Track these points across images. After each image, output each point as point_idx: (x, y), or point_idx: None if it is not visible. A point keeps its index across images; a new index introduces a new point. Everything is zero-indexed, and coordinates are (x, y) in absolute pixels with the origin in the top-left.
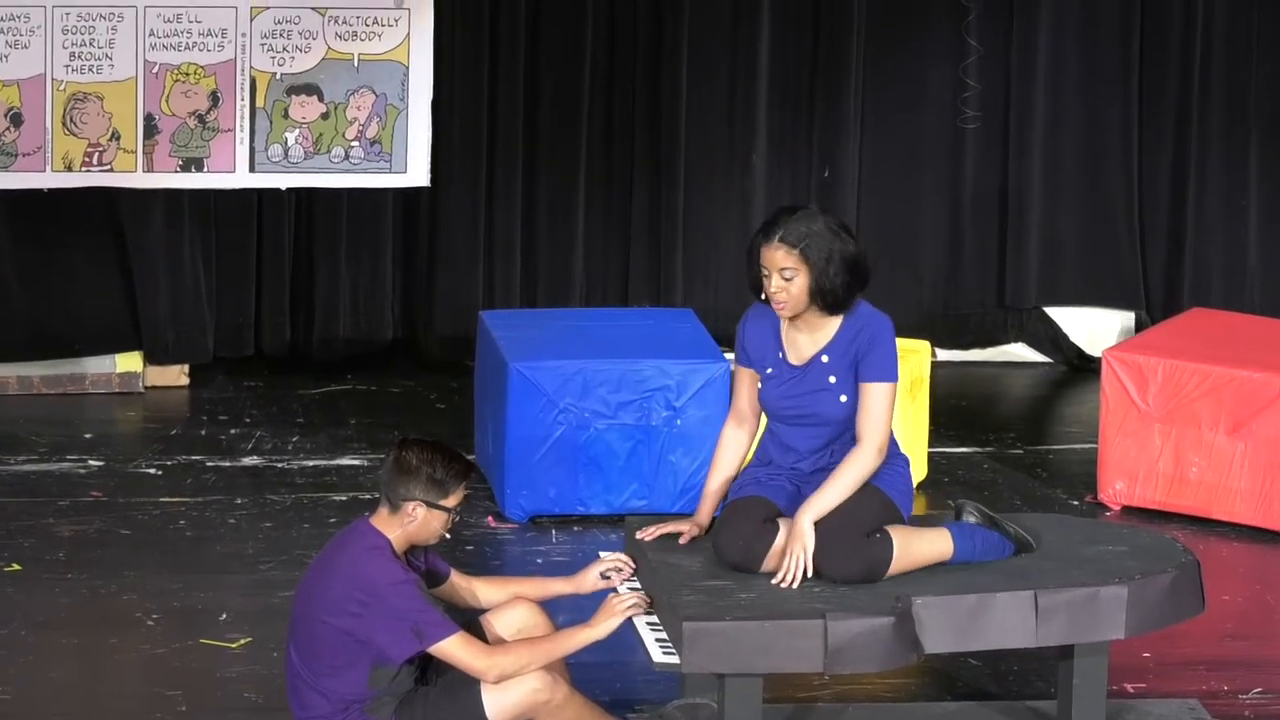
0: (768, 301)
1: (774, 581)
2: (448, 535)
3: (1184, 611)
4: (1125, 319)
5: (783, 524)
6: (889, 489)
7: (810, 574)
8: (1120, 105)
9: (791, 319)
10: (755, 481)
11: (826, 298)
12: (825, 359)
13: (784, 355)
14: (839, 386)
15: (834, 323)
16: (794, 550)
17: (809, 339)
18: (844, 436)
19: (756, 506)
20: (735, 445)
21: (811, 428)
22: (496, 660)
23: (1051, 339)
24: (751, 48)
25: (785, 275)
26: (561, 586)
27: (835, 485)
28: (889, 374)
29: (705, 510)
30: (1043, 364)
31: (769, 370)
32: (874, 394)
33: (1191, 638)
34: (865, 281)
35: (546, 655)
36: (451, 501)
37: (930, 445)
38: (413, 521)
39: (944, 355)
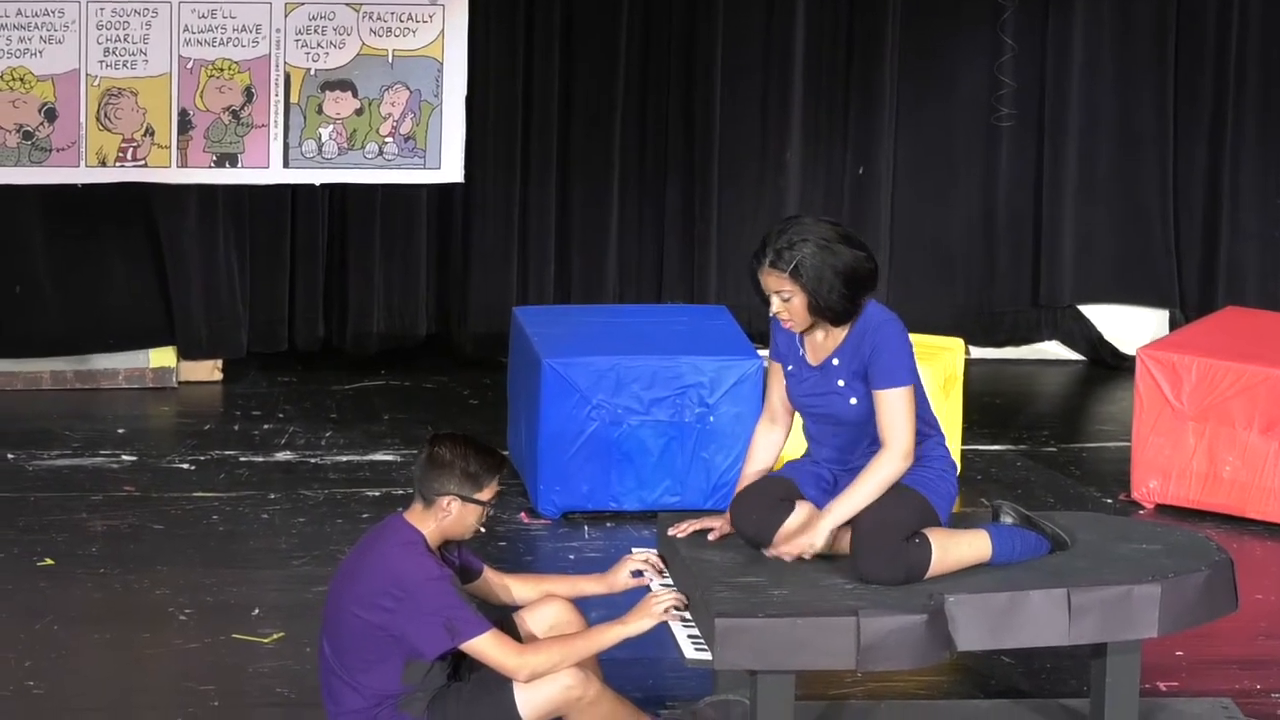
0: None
1: (767, 551)
2: (482, 530)
3: (1217, 610)
4: (1159, 317)
5: (800, 505)
6: (930, 493)
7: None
8: (1155, 104)
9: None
10: (791, 468)
11: (826, 314)
12: (836, 362)
13: (804, 354)
14: (848, 390)
15: (843, 328)
16: (801, 542)
17: (824, 342)
18: (874, 435)
19: (776, 485)
20: (767, 443)
21: (832, 426)
22: (528, 659)
23: (1085, 337)
24: (786, 44)
25: (783, 297)
26: (593, 586)
27: (859, 489)
28: (898, 379)
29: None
30: (1076, 362)
31: (790, 368)
32: (886, 401)
33: (1225, 636)
34: (868, 287)
35: (578, 653)
36: (485, 495)
37: (964, 443)
38: (447, 516)
39: (978, 353)
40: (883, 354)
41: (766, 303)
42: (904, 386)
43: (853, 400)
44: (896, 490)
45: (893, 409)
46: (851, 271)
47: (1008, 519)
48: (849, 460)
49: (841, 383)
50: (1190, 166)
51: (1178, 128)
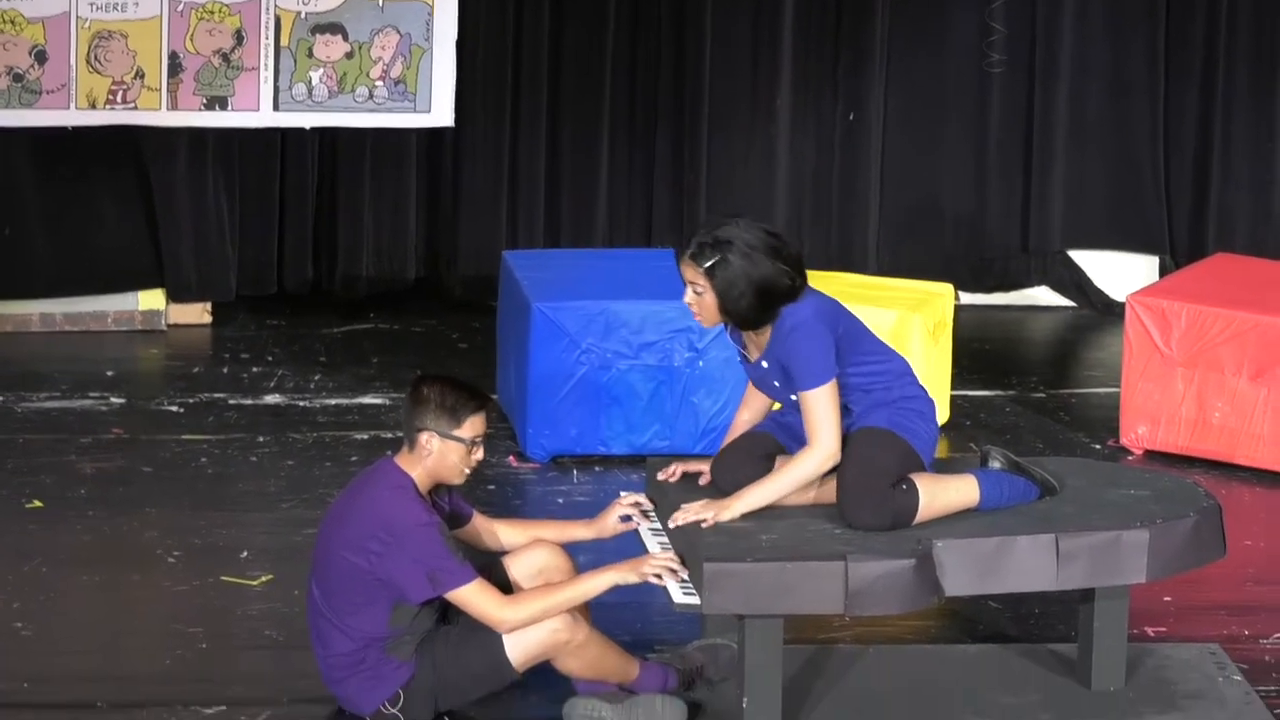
0: None
1: (671, 521)
2: (467, 471)
3: (1205, 556)
4: (1149, 264)
5: (780, 460)
6: (911, 436)
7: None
8: (1146, 50)
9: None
10: (774, 422)
11: (735, 319)
12: (765, 364)
13: (745, 349)
14: (784, 388)
15: (767, 329)
16: (705, 511)
17: (754, 341)
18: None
19: (758, 441)
20: (759, 396)
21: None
22: (510, 611)
23: (1075, 283)
24: None
25: (696, 290)
26: (582, 532)
27: (777, 481)
28: (813, 380)
29: None
30: (1066, 308)
31: (739, 357)
32: (805, 403)
33: (1213, 582)
34: (783, 300)
35: (563, 604)
36: (465, 432)
37: (953, 388)
38: (429, 455)
39: (967, 299)
40: (794, 360)
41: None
42: (820, 387)
43: (793, 396)
44: (878, 435)
45: (812, 410)
46: (767, 285)
47: (996, 464)
48: None
49: (777, 383)
50: (1181, 113)
51: (1169, 74)
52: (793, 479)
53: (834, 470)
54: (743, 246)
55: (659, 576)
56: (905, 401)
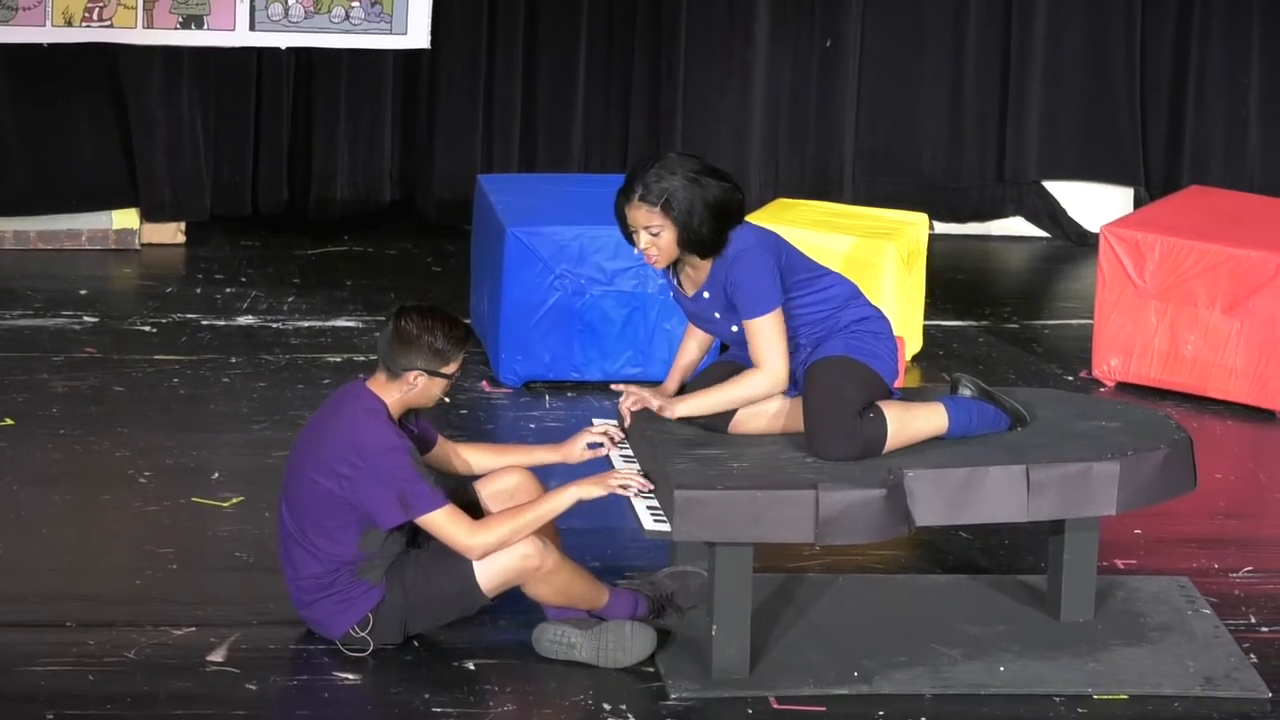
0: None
1: (621, 403)
2: (446, 400)
3: (1176, 489)
4: (1124, 195)
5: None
6: (872, 359)
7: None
8: None
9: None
10: (733, 355)
11: (696, 247)
12: (706, 295)
13: (679, 284)
14: (726, 319)
15: (707, 261)
16: (649, 397)
17: (694, 275)
18: (789, 325)
19: (723, 369)
20: (698, 339)
21: (732, 343)
22: (479, 536)
23: (1050, 214)
24: None
25: (652, 231)
26: (549, 455)
27: (721, 393)
28: (760, 308)
29: (672, 381)
30: (1040, 239)
31: (672, 294)
32: (752, 331)
33: (1183, 515)
34: (736, 218)
35: (530, 525)
36: (451, 369)
37: (926, 318)
38: (412, 389)
39: (942, 228)
40: (739, 289)
41: (631, 240)
42: (767, 314)
43: (734, 328)
44: (837, 364)
45: (759, 337)
46: (720, 204)
47: (966, 392)
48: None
49: (717, 314)
50: (1158, 44)
51: (1145, 6)
52: (738, 395)
53: (801, 401)
54: (686, 174)
55: (625, 488)
56: (858, 325)
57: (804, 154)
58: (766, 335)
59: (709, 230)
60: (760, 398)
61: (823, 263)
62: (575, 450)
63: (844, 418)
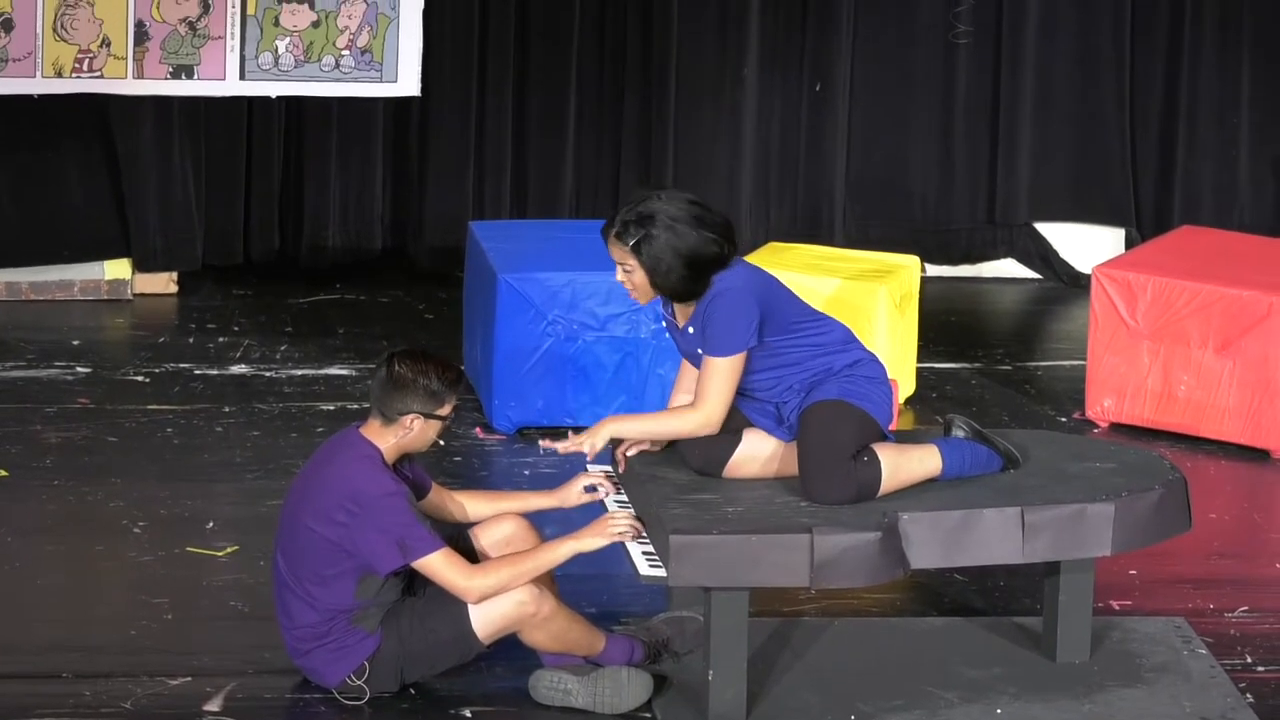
0: None
1: (560, 446)
2: (440, 443)
3: (1171, 529)
4: (1115, 236)
5: (748, 434)
6: (865, 402)
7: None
8: (1112, 21)
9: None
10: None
11: (667, 293)
12: (691, 330)
13: (673, 314)
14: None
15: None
16: (580, 439)
17: (684, 308)
18: (779, 370)
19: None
20: (693, 376)
21: None
22: (477, 580)
23: (1041, 255)
24: None
25: (626, 269)
26: (545, 501)
27: (651, 420)
28: (718, 349)
29: None
30: (1032, 280)
31: (664, 323)
32: (706, 367)
33: (1178, 556)
34: (713, 268)
35: (529, 572)
36: (446, 411)
37: (919, 361)
38: (409, 434)
39: (934, 270)
40: (713, 322)
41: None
42: (725, 357)
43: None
44: (830, 408)
45: (709, 375)
46: (694, 255)
47: (959, 433)
48: (776, 395)
49: (700, 351)
50: (1148, 84)
51: (1135, 45)
52: (667, 427)
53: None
54: (666, 220)
55: (623, 534)
56: (852, 369)
57: (795, 197)
58: (717, 377)
59: (678, 279)
60: (685, 435)
61: (815, 306)
62: (571, 495)
63: (838, 462)
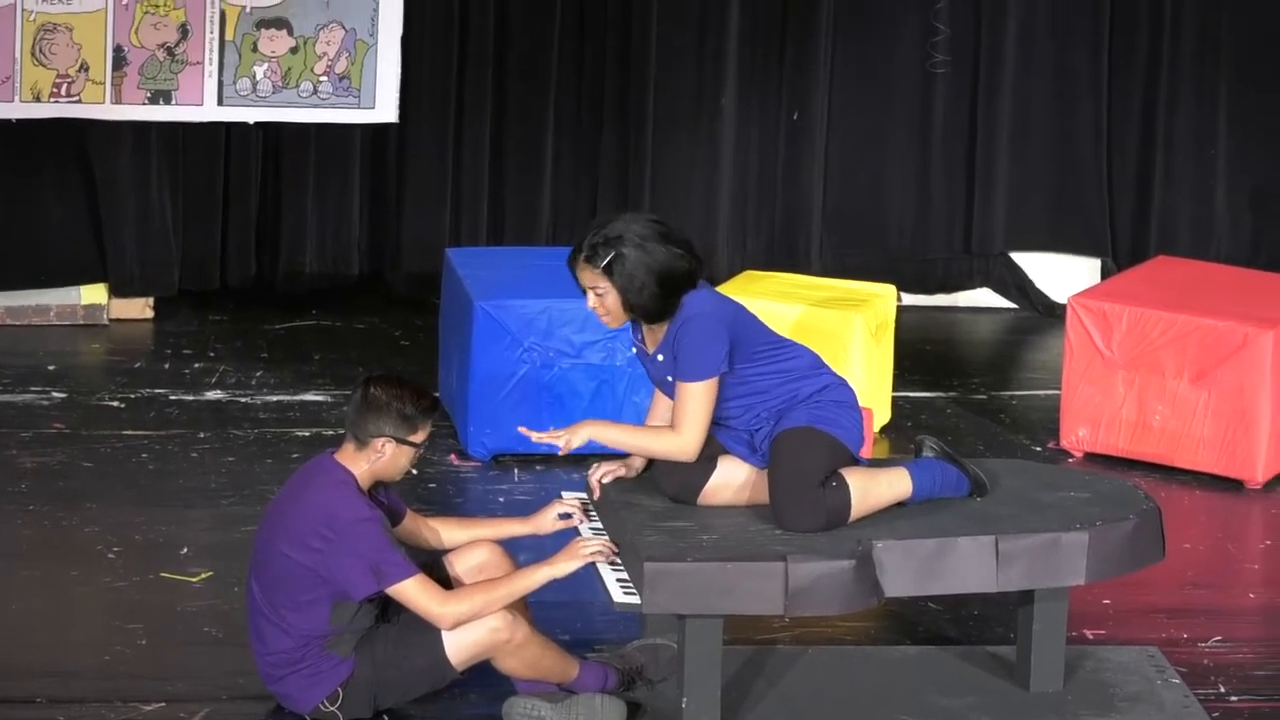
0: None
1: (535, 435)
2: (413, 471)
3: (1145, 559)
4: (1091, 266)
5: (723, 461)
6: (835, 428)
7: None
8: (1090, 52)
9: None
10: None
11: (641, 313)
12: (660, 358)
13: (643, 340)
14: (676, 382)
15: (666, 324)
16: (560, 433)
17: (651, 334)
18: (748, 398)
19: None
20: (666, 406)
21: None
22: (451, 606)
23: (1017, 285)
24: None
25: (598, 292)
26: (520, 528)
27: (632, 434)
28: (691, 374)
29: (638, 456)
30: (1008, 310)
31: (634, 350)
32: (681, 393)
33: (1152, 585)
34: (685, 285)
35: (503, 598)
36: (420, 438)
37: (894, 389)
38: (380, 458)
39: (910, 300)
40: (685, 348)
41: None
42: (698, 382)
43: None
44: (799, 435)
45: (684, 401)
46: (666, 271)
47: (929, 453)
48: (748, 423)
49: (670, 377)
50: (1125, 115)
51: (1112, 76)
52: (644, 443)
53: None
54: (634, 238)
55: (595, 554)
56: (820, 394)
57: (772, 226)
58: (692, 402)
59: (651, 297)
60: (661, 456)
61: (791, 335)
62: (546, 522)
63: (807, 489)
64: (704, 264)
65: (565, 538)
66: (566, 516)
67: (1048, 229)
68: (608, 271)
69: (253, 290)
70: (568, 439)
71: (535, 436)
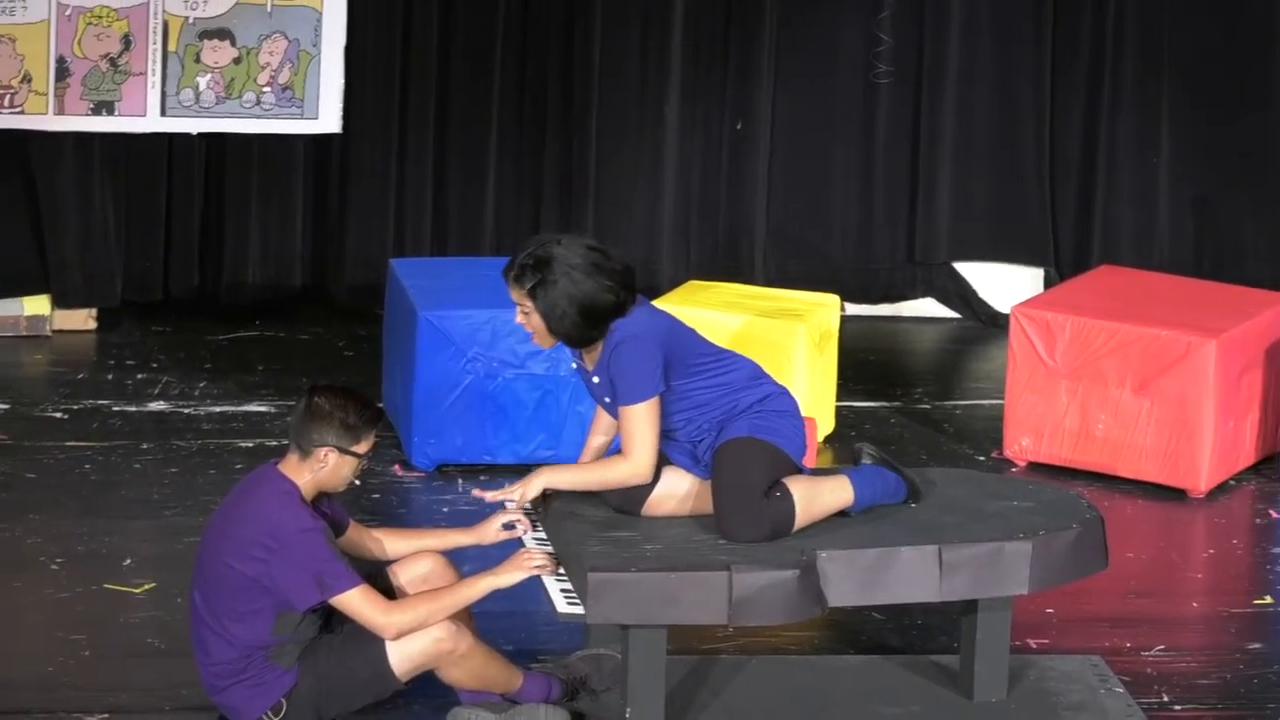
0: None
1: (489, 496)
2: (357, 482)
3: (1088, 568)
4: (1034, 276)
5: (666, 472)
6: (776, 437)
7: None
8: (1033, 62)
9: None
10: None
11: (561, 338)
12: (596, 380)
13: (582, 358)
14: (614, 404)
15: (600, 344)
16: (512, 490)
17: (589, 355)
18: (688, 412)
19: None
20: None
21: None
22: (395, 617)
23: (960, 295)
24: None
25: (524, 311)
26: (463, 538)
27: (582, 471)
28: (634, 395)
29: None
30: (951, 320)
31: (574, 365)
32: (625, 417)
33: (1095, 594)
34: (610, 316)
35: (447, 608)
36: (362, 448)
37: (838, 399)
38: (323, 468)
39: (853, 309)
40: (621, 373)
41: None
42: (641, 402)
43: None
44: (740, 446)
45: (629, 424)
46: (589, 303)
47: (867, 460)
48: (690, 435)
49: (608, 399)
50: (1067, 125)
51: (1055, 87)
52: (599, 477)
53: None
54: (563, 266)
55: (540, 567)
56: (760, 404)
57: (715, 235)
58: (637, 424)
59: (571, 324)
60: (615, 486)
61: (735, 345)
62: (489, 532)
63: (750, 500)
64: (634, 294)
65: (509, 548)
66: (510, 527)
67: (991, 238)
68: (531, 295)
69: (196, 301)
70: (522, 491)
71: (490, 496)
